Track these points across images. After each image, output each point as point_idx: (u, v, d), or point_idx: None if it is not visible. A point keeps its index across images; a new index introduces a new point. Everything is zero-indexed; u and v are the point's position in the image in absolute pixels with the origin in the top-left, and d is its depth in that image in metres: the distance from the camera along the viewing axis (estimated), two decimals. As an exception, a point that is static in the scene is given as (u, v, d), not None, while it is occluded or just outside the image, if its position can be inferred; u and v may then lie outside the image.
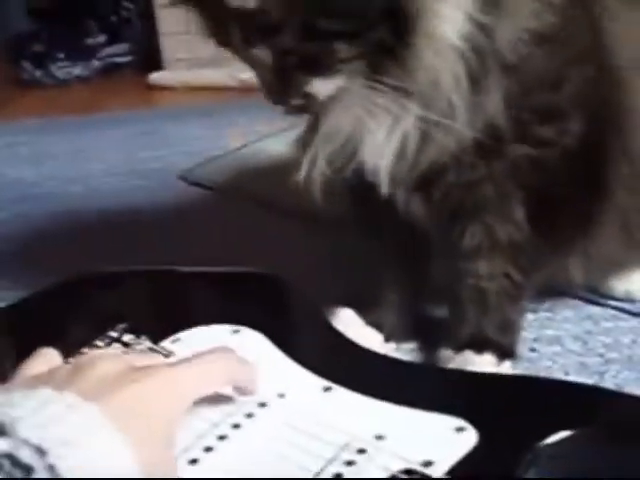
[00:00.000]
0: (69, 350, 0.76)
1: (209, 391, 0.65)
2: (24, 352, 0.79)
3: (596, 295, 0.95)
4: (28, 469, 0.47)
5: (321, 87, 0.71)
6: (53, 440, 0.49)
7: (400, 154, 0.75)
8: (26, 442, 0.48)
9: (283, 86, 0.71)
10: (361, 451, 0.61)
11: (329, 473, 0.59)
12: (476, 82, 0.72)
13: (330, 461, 0.60)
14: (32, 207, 1.40)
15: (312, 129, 0.79)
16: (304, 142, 0.81)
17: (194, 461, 0.62)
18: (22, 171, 1.60)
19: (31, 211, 1.38)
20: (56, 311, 0.87)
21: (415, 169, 0.76)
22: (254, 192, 1.33)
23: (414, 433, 0.63)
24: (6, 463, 0.47)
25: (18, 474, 0.47)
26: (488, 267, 0.81)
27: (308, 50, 0.67)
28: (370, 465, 0.60)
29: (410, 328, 0.88)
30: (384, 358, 0.78)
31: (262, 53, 0.69)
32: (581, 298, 0.95)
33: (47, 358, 0.65)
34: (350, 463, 0.60)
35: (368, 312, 0.87)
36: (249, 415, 0.66)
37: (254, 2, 0.65)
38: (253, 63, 0.72)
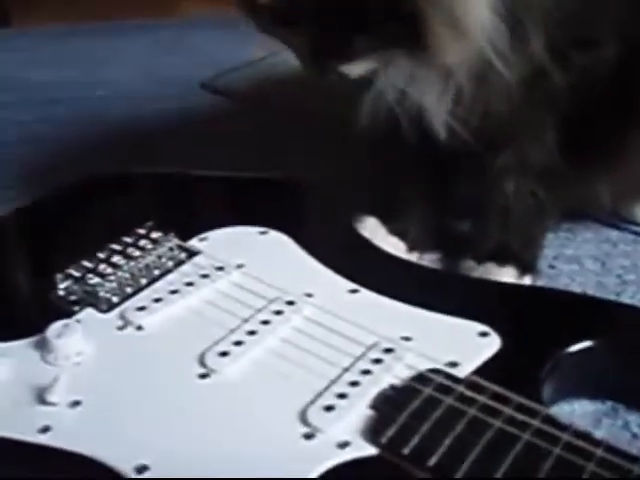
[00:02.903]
0: (97, 247, 0.78)
1: None
2: (50, 248, 0.81)
3: (617, 219, 0.95)
4: None
5: (352, 69, 0.72)
6: None
7: (455, 106, 0.76)
8: None
9: (317, 65, 0.72)
10: (389, 350, 0.63)
11: (357, 369, 0.61)
12: (515, 26, 0.71)
13: (358, 358, 0.62)
14: (55, 111, 1.38)
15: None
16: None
17: (224, 353, 0.64)
18: (45, 75, 1.58)
19: (54, 115, 1.37)
20: (78, 210, 0.88)
21: (472, 120, 0.77)
22: (277, 101, 1.32)
23: (439, 336, 0.65)
24: None
25: None
26: (516, 188, 0.82)
27: (327, 39, 0.69)
28: (398, 364, 0.61)
29: (433, 239, 0.89)
30: (410, 264, 0.79)
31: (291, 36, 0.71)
32: (601, 221, 0.95)
33: None
34: (378, 361, 0.62)
35: (392, 221, 0.87)
36: (278, 312, 0.68)
37: None
38: (286, 41, 0.74)
